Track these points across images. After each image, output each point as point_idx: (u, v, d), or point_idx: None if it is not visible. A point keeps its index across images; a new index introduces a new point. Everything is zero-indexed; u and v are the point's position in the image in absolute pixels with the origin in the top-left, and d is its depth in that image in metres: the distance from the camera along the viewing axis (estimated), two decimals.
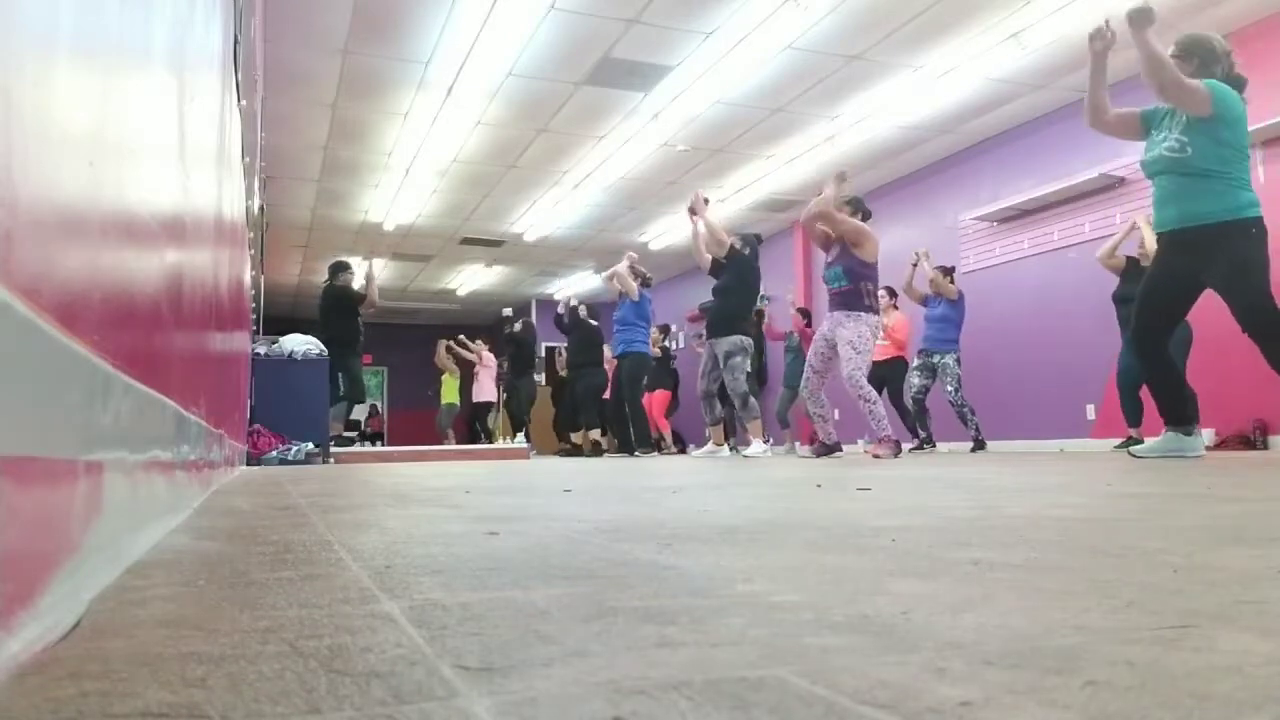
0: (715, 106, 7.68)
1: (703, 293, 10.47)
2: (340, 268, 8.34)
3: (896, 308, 8.07)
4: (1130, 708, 0.36)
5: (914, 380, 7.61)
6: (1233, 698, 0.37)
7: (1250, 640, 0.48)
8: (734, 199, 10.28)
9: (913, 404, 7.61)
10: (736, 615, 0.57)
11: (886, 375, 7.89)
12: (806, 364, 5.67)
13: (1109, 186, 7.36)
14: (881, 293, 7.94)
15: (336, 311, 8.06)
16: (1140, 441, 6.11)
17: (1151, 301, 3.75)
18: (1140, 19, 3.65)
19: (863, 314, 5.39)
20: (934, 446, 7.64)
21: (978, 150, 8.75)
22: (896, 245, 9.52)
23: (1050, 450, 6.85)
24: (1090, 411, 7.46)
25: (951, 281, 7.58)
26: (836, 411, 9.73)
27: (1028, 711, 0.36)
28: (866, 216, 5.65)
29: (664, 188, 9.94)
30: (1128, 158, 7.20)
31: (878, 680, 0.41)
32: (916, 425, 7.67)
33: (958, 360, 7.41)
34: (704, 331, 7.82)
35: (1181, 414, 3.74)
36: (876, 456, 5.41)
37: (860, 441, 8.57)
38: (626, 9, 6.03)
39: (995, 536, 1.01)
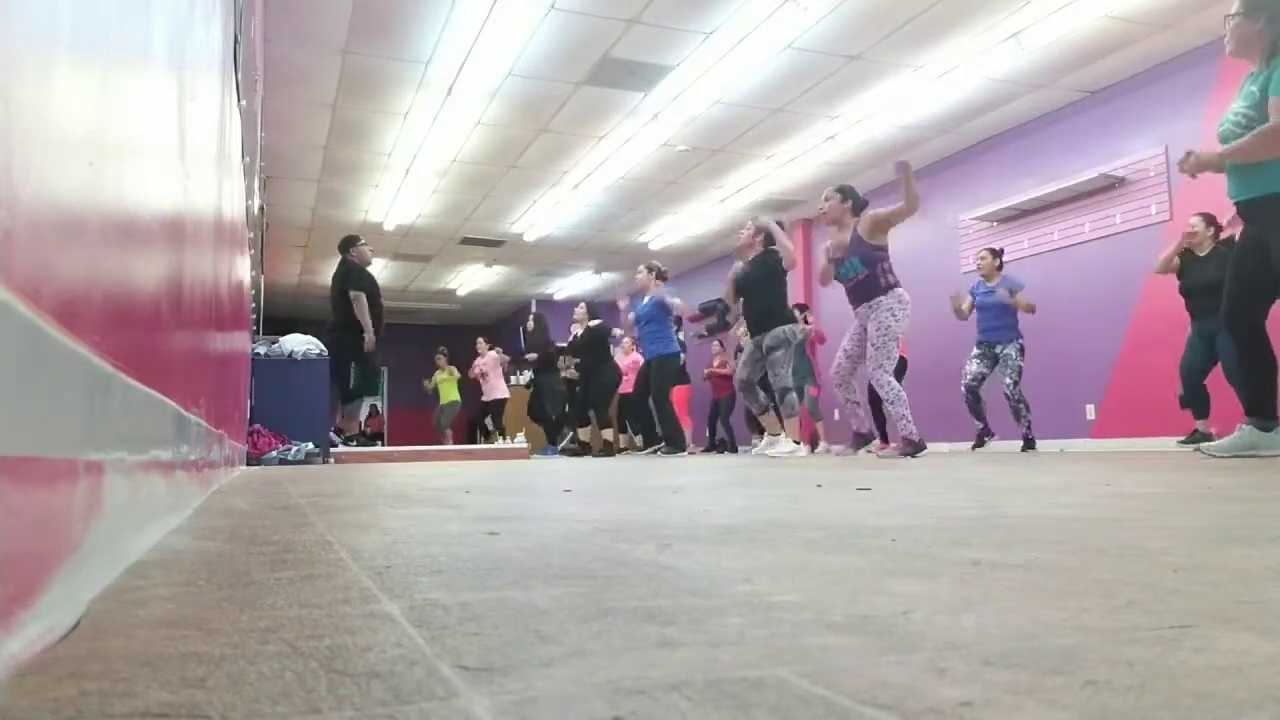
0: (715, 106, 7.68)
1: (702, 292, 10.47)
2: (350, 242, 7.57)
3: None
4: (1130, 708, 0.36)
5: (971, 367, 7.11)
6: (1233, 698, 0.37)
7: (1250, 640, 0.48)
8: (734, 199, 10.28)
9: (966, 392, 7.15)
10: (736, 615, 0.57)
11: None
12: (840, 349, 5.52)
13: (1109, 186, 7.36)
14: None
15: (345, 293, 7.28)
16: (1209, 436, 5.73)
17: (1237, 277, 3.54)
18: (1192, 165, 3.55)
19: (882, 299, 5.29)
20: (992, 437, 7.20)
21: (978, 150, 8.76)
22: (897, 245, 9.43)
23: (1050, 450, 6.85)
24: (1090, 411, 7.46)
25: (1000, 266, 7.13)
26: (836, 413, 9.77)
27: (1028, 711, 0.36)
28: (862, 206, 5.59)
29: (664, 188, 9.94)
30: (1128, 158, 7.21)
31: (878, 680, 0.41)
32: (973, 415, 7.22)
33: (1021, 350, 6.92)
34: (705, 331, 7.79)
35: (1264, 405, 3.49)
36: (881, 455, 5.37)
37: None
38: (626, 9, 6.03)
39: (995, 536, 1.01)
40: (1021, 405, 6.88)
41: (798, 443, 6.49)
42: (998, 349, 6.99)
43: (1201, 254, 5.92)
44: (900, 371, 7.76)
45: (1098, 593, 0.64)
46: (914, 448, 5.23)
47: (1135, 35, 6.56)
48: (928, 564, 0.80)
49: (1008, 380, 6.89)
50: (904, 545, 0.94)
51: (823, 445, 9.50)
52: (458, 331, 14.47)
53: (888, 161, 9.19)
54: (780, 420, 6.43)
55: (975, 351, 7.09)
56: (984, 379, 7.07)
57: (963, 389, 7.15)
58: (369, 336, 7.29)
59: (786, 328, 6.24)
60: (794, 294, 10.83)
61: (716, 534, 1.09)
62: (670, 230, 11.56)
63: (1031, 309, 6.82)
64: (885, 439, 7.43)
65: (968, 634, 0.51)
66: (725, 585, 0.70)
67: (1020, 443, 6.95)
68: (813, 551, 0.91)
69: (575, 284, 14.79)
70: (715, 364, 10.75)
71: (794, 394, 6.32)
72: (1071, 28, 6.37)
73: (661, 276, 8.26)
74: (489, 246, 12.37)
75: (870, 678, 0.41)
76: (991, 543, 0.95)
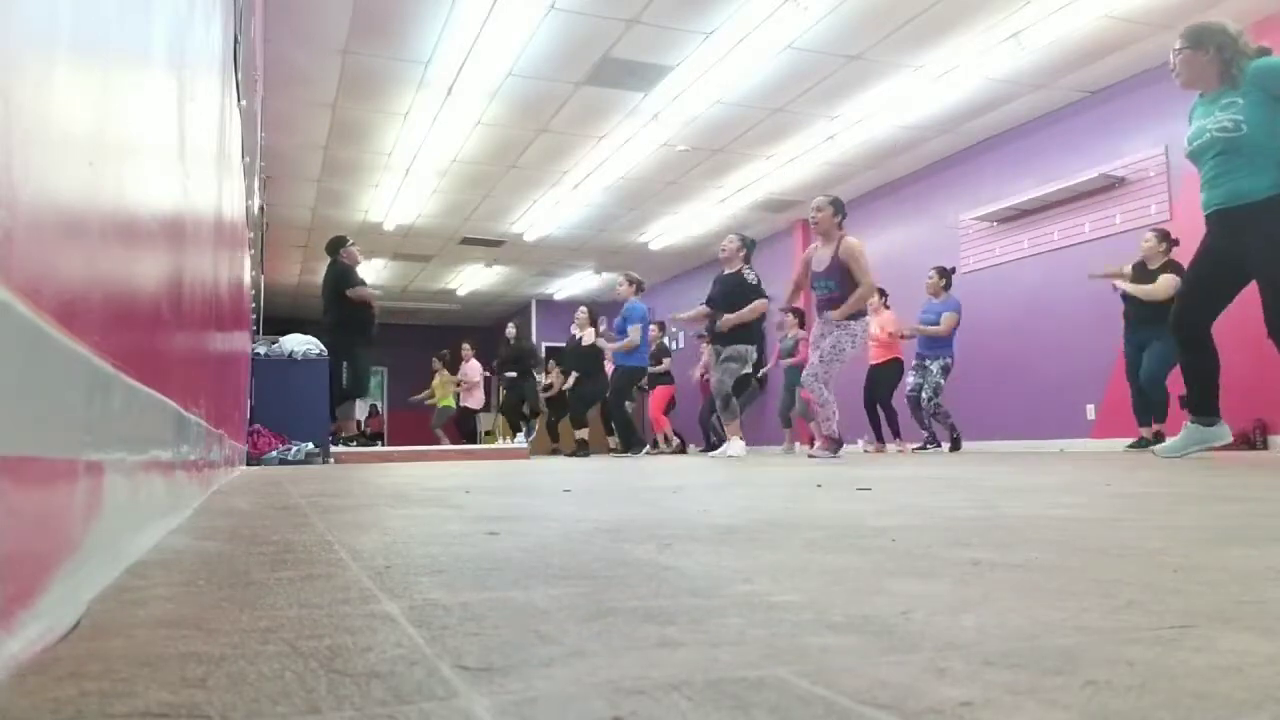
0: (715, 106, 7.67)
1: (701, 293, 10.45)
2: (339, 243, 7.65)
3: (888, 307, 8.13)
4: (1130, 708, 0.36)
5: (909, 379, 7.74)
6: (1233, 698, 0.37)
7: (1250, 640, 0.48)
8: (734, 199, 10.27)
9: (908, 402, 7.68)
10: (736, 615, 0.57)
11: (879, 377, 8.04)
12: (808, 364, 5.79)
13: (1109, 186, 7.35)
14: None
15: (339, 293, 7.36)
16: (1160, 438, 5.90)
17: (1194, 286, 3.64)
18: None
19: (850, 323, 5.52)
20: (937, 446, 7.63)
21: (978, 150, 8.75)
22: (897, 246, 9.52)
23: (1050, 450, 6.85)
24: (1090, 411, 7.45)
25: (948, 285, 7.61)
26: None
27: (1028, 711, 0.36)
28: (844, 216, 5.77)
29: (664, 188, 9.94)
30: (1128, 157, 7.21)
31: (878, 680, 0.41)
32: (916, 423, 7.74)
33: (944, 368, 7.46)
34: (704, 333, 7.84)
35: (1206, 405, 3.62)
36: (811, 456, 5.62)
37: (860, 441, 8.57)
38: (626, 9, 6.03)
39: (995, 536, 1.01)
40: (928, 416, 7.49)
41: (740, 439, 6.71)
42: (926, 363, 7.58)
43: (1153, 267, 6.05)
44: (897, 374, 7.94)
45: (1098, 593, 0.64)
46: (835, 445, 5.58)
47: (1135, 35, 6.56)
48: (928, 564, 0.80)
49: (925, 394, 7.51)
50: (904, 545, 0.94)
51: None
52: (457, 332, 14.48)
53: (887, 162, 9.21)
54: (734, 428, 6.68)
55: (914, 363, 7.73)
56: (920, 389, 7.66)
57: (905, 402, 7.78)
58: (374, 305, 7.55)
59: (744, 347, 6.50)
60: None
61: (716, 534, 1.09)
62: (670, 230, 11.56)
63: (941, 333, 7.47)
64: (897, 435, 8.02)
65: (968, 634, 0.51)
66: (725, 585, 0.70)
67: (946, 445, 7.49)
68: (813, 551, 0.91)
69: (576, 284, 14.78)
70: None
71: (735, 400, 6.62)
72: (1071, 28, 6.36)
73: (640, 289, 8.58)
74: (489, 246, 12.36)
75: (870, 678, 0.41)
76: (991, 543, 0.95)
